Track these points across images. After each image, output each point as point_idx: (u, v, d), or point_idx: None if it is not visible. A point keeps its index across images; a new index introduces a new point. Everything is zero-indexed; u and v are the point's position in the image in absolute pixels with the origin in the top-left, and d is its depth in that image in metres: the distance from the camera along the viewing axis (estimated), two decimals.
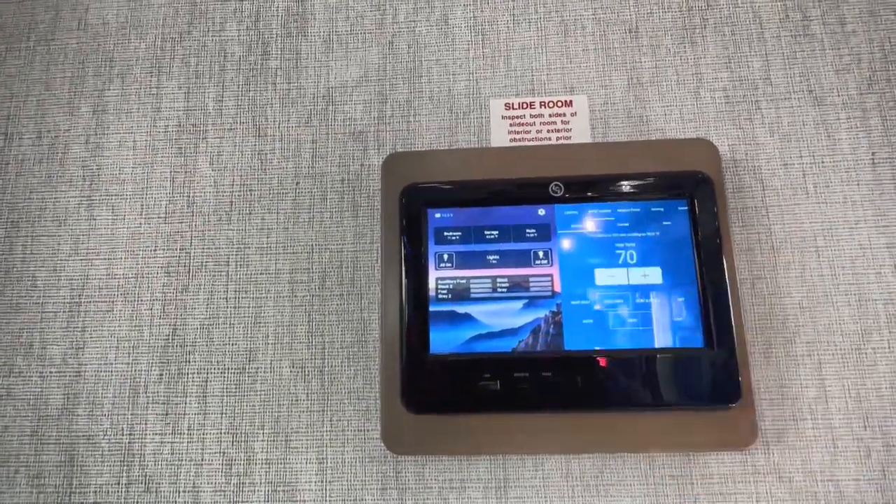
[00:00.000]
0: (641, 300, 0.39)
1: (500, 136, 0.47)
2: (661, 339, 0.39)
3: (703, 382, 0.38)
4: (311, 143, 0.48)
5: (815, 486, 0.39)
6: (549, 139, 0.46)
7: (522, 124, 0.47)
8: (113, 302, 0.46)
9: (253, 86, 0.49)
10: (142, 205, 0.47)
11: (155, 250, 0.46)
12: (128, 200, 0.48)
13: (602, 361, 0.38)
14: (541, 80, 0.48)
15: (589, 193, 0.41)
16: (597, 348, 0.38)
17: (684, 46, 0.48)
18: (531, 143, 0.46)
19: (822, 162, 0.45)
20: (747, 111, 0.46)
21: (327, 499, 0.41)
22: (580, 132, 0.46)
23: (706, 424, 0.38)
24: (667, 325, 0.39)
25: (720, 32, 0.48)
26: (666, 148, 0.43)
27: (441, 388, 0.39)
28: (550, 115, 0.47)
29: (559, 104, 0.47)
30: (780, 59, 0.47)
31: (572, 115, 0.47)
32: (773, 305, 0.42)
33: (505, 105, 0.47)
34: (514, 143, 0.47)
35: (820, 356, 0.41)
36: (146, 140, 0.49)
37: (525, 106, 0.47)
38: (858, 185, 0.44)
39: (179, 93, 0.50)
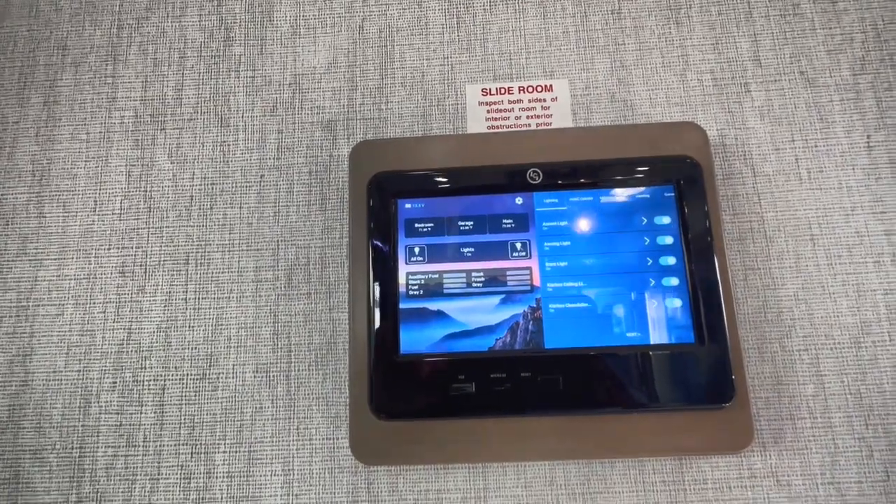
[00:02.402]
0: (626, 293, 0.37)
1: (476, 123, 0.44)
2: (649, 335, 0.36)
3: (694, 381, 0.35)
4: (277, 133, 0.45)
5: (816, 489, 0.37)
6: (529, 125, 0.44)
7: (500, 110, 0.44)
8: (63, 305, 0.42)
9: (215, 73, 0.46)
10: (95, 201, 0.44)
11: (109, 249, 0.43)
12: (80, 196, 0.45)
13: (585, 360, 0.35)
14: (519, 65, 0.45)
15: (569, 180, 0.38)
16: (579, 346, 0.36)
17: (669, 27, 0.45)
18: (509, 130, 0.44)
19: (816, 146, 0.42)
20: (736, 94, 0.44)
21: None
22: (561, 118, 0.44)
23: (698, 426, 0.36)
24: (654, 320, 0.36)
25: (706, 12, 0.46)
26: (651, 132, 0.40)
27: (412, 392, 0.36)
28: (530, 101, 0.44)
29: (539, 89, 0.45)
30: (770, 40, 0.45)
31: (552, 100, 0.44)
32: (767, 298, 0.40)
33: (482, 91, 0.45)
34: (491, 131, 0.44)
35: (817, 351, 0.39)
36: (100, 132, 0.46)
37: (503, 91, 0.45)
38: (854, 169, 0.42)
39: (136, 81, 0.47)
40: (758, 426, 0.37)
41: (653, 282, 0.37)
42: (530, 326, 0.36)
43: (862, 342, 0.39)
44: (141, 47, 0.47)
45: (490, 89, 0.45)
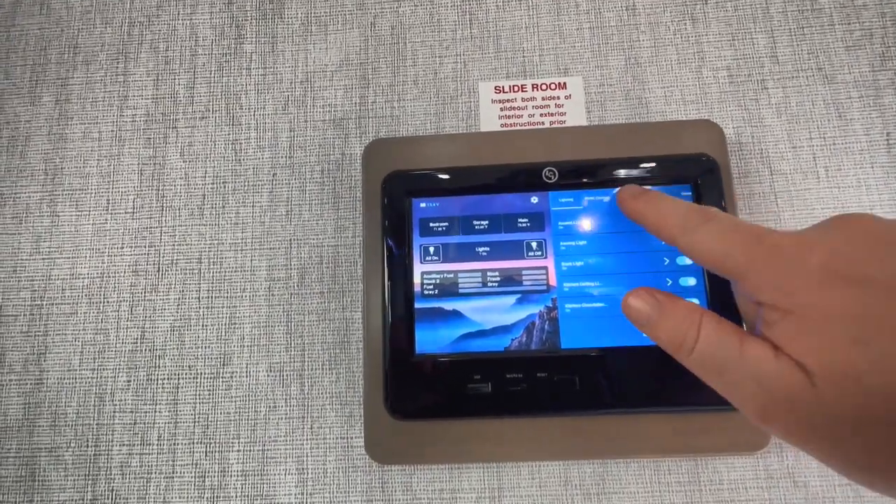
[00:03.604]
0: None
1: (489, 121, 0.44)
2: None
3: None
4: (289, 131, 0.45)
5: (833, 490, 0.36)
6: (543, 123, 0.44)
7: (513, 108, 0.44)
8: (77, 304, 0.42)
9: (226, 72, 0.46)
10: (108, 200, 0.44)
11: (122, 248, 0.43)
12: (92, 195, 0.45)
13: (601, 360, 0.35)
14: (533, 62, 0.45)
15: (585, 179, 0.38)
16: (595, 346, 0.35)
17: (685, 23, 0.45)
18: (523, 128, 0.43)
19: (834, 144, 0.42)
20: (753, 91, 0.43)
21: None
22: (575, 116, 0.44)
23: (715, 426, 0.35)
24: None
25: (723, 8, 0.45)
26: (667, 130, 0.40)
27: (428, 392, 0.36)
28: (543, 99, 0.44)
29: (552, 86, 0.44)
30: (787, 36, 0.44)
31: (566, 97, 0.44)
32: None
33: (495, 88, 0.45)
34: (504, 129, 0.44)
35: None
36: (112, 130, 0.46)
37: (516, 89, 0.44)
38: (873, 167, 0.41)
39: (148, 80, 0.46)
40: None
41: (670, 282, 0.37)
42: (546, 326, 0.36)
43: None
44: (152, 45, 0.47)
45: (503, 87, 0.45)
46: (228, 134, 0.45)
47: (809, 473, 0.37)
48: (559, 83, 0.44)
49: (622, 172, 0.38)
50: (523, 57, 0.45)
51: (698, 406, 0.35)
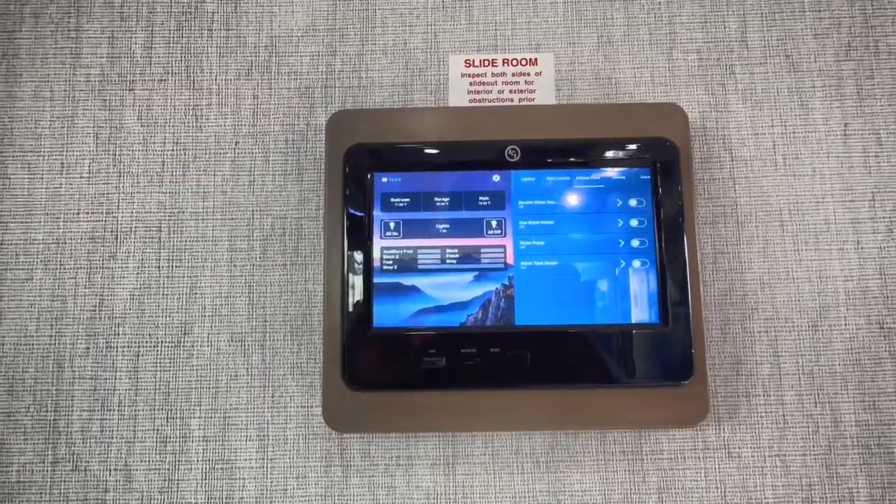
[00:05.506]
0: (598, 274, 0.37)
1: (458, 96, 0.43)
2: (616, 314, 0.37)
3: (656, 359, 0.37)
4: (252, 98, 0.44)
5: (763, 461, 0.39)
6: (511, 100, 0.43)
7: (483, 83, 0.43)
8: (32, 269, 0.42)
9: (186, 31, 0.44)
10: (62, 163, 0.43)
11: (78, 213, 0.42)
12: (45, 158, 0.43)
13: (552, 337, 0.36)
14: (504, 36, 0.44)
15: (547, 159, 0.38)
16: (548, 324, 0.37)
17: (659, 3, 0.44)
18: (491, 104, 0.43)
19: (794, 132, 0.43)
20: (721, 75, 0.43)
21: (268, 476, 0.39)
22: (544, 94, 0.43)
23: (658, 401, 0.37)
24: (623, 301, 0.37)
25: None
26: (632, 112, 0.40)
27: (384, 365, 0.36)
28: (513, 75, 0.43)
29: (523, 62, 0.44)
30: (759, 20, 0.44)
31: (537, 74, 0.43)
32: (734, 281, 0.41)
33: (465, 62, 0.44)
34: (473, 104, 0.43)
35: (777, 333, 0.40)
36: (65, 90, 0.44)
37: (486, 63, 0.44)
38: (828, 157, 0.42)
39: (102, 37, 0.44)
40: (714, 402, 0.39)
41: (623, 263, 0.38)
42: (502, 304, 0.37)
43: (819, 326, 0.40)
44: None
45: (473, 61, 0.44)
46: (189, 98, 0.44)
47: (742, 445, 0.39)
48: (530, 59, 0.44)
49: (584, 153, 0.38)
50: (495, 30, 0.44)
51: (642, 382, 0.37)
